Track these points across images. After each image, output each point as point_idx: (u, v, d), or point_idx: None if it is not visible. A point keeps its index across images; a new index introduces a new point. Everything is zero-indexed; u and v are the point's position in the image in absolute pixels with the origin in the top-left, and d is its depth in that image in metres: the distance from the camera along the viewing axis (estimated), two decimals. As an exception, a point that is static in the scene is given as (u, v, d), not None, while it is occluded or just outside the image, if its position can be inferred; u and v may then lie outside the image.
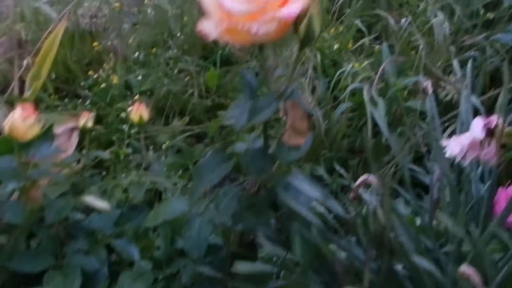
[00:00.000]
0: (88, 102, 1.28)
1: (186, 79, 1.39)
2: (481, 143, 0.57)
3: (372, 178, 0.55)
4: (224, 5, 0.36)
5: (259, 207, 0.55)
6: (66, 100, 1.32)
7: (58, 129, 0.92)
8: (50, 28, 1.17)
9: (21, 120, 0.55)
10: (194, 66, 1.38)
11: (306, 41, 0.40)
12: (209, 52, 1.51)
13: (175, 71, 1.39)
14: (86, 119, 0.87)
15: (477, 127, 0.57)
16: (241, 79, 0.46)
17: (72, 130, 0.96)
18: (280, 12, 0.36)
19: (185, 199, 0.59)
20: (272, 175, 0.52)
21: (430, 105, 0.71)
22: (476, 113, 0.87)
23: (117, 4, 1.25)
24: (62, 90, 1.31)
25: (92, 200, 0.67)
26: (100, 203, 0.66)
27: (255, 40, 0.38)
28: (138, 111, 0.82)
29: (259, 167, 0.51)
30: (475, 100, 0.91)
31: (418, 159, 1.04)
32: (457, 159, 0.58)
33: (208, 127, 1.34)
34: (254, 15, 0.37)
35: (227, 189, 0.57)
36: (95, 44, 1.23)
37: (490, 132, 0.58)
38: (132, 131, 1.25)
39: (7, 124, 0.56)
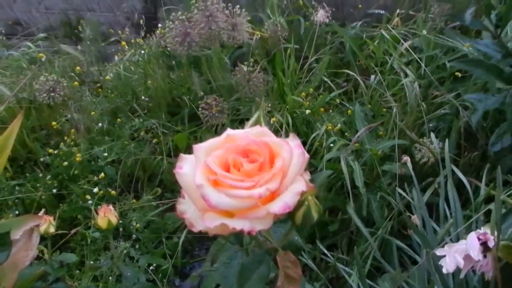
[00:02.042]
0: (48, 177, 1.20)
1: (154, 141, 1.33)
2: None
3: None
4: (209, 201, 0.32)
5: None
6: (25, 176, 1.23)
7: (16, 234, 0.84)
8: (3, 106, 1.09)
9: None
10: (161, 127, 1.32)
11: (303, 225, 0.35)
12: (176, 107, 1.45)
13: (142, 133, 1.32)
14: (48, 224, 0.80)
15: (473, 244, 0.55)
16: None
17: (31, 230, 0.87)
18: (274, 207, 0.32)
19: None
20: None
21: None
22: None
23: (76, 83, 1.18)
24: (20, 171, 1.22)
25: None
26: None
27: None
28: (106, 216, 0.75)
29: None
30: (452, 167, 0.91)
31: (402, 227, 1.03)
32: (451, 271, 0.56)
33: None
34: (245, 211, 0.32)
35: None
36: (54, 123, 1.15)
37: (486, 248, 0.56)
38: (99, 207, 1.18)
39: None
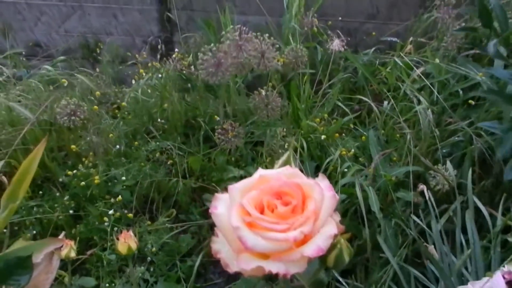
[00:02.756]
0: (66, 198, 1.22)
1: (169, 162, 1.35)
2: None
3: None
4: (246, 243, 0.33)
5: None
6: (42, 196, 1.25)
7: (37, 257, 0.85)
8: (25, 130, 1.12)
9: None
10: (176, 149, 1.34)
11: (335, 267, 0.37)
12: (190, 129, 1.48)
13: (157, 154, 1.34)
14: (69, 249, 0.81)
15: (499, 284, 0.56)
16: None
17: (52, 253, 0.89)
18: (308, 250, 0.33)
19: None
20: None
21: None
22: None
23: (96, 107, 1.21)
24: (37, 190, 1.24)
25: None
26: None
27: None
28: (126, 242, 0.77)
29: None
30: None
31: (416, 254, 1.03)
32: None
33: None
34: (279, 253, 0.34)
35: None
36: (73, 147, 1.17)
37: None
38: (115, 229, 1.20)
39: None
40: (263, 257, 0.34)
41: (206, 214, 1.32)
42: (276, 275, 0.33)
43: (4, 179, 0.88)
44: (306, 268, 0.34)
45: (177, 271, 1.16)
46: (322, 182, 0.38)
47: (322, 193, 0.36)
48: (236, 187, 0.38)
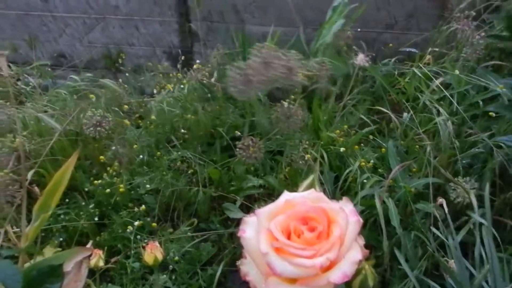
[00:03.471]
0: (91, 206, 1.26)
1: (190, 171, 1.38)
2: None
3: None
4: (274, 269, 0.35)
5: None
6: (67, 204, 1.30)
7: (68, 266, 0.89)
8: (53, 140, 1.16)
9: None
10: (197, 159, 1.37)
11: (359, 292, 0.38)
12: (210, 138, 1.51)
13: (178, 163, 1.37)
14: (98, 258, 0.85)
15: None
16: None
17: (81, 262, 0.92)
18: (334, 277, 0.35)
19: None
20: None
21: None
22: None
23: (127, 122, 1.25)
24: (63, 197, 1.29)
25: None
26: None
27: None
28: (153, 253, 0.79)
29: None
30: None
31: (436, 267, 1.03)
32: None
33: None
34: (306, 279, 0.35)
35: None
36: (101, 158, 1.22)
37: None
38: (138, 237, 1.23)
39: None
40: (290, 281, 0.36)
41: (226, 223, 1.34)
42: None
43: (37, 189, 0.92)
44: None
45: (198, 279, 1.18)
46: (347, 206, 0.40)
47: (347, 218, 0.38)
48: (263, 212, 0.40)
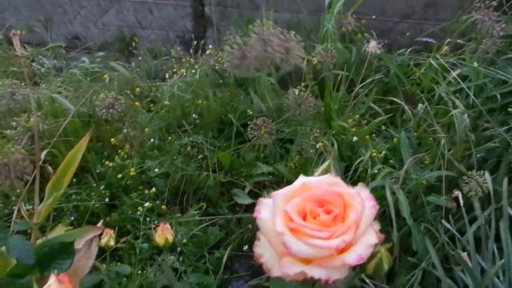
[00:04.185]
0: (102, 187, 1.27)
1: (200, 157, 1.38)
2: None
3: None
4: (290, 248, 0.35)
5: None
6: (79, 184, 1.31)
7: (78, 244, 0.90)
8: (67, 120, 1.17)
9: (58, 296, 0.53)
10: (208, 144, 1.37)
11: (374, 275, 0.38)
12: (221, 124, 1.51)
13: (188, 148, 1.38)
14: (109, 237, 0.86)
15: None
16: None
17: (91, 240, 0.94)
18: (350, 258, 0.35)
19: None
20: None
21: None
22: None
23: (137, 104, 1.25)
24: (76, 178, 1.30)
25: None
26: None
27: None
28: (164, 234, 0.80)
29: None
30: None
31: (445, 260, 1.03)
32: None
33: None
34: (321, 259, 0.35)
35: None
36: (112, 140, 1.22)
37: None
38: (147, 219, 1.24)
39: (42, 300, 0.53)
40: (305, 262, 0.36)
41: (234, 209, 1.35)
42: (319, 281, 0.35)
43: (50, 168, 0.93)
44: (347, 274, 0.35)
45: (205, 262, 1.19)
46: (363, 192, 0.39)
47: (363, 203, 0.38)
48: (279, 194, 0.40)
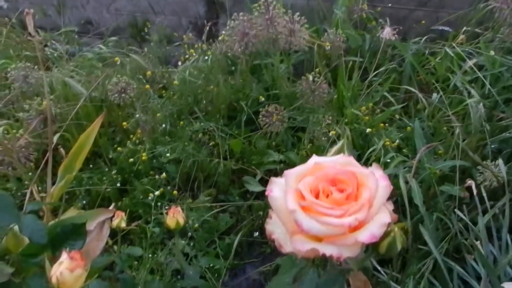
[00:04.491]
0: (114, 172, 1.28)
1: (211, 143, 1.38)
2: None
3: None
4: (301, 226, 0.35)
5: None
6: (90, 169, 1.32)
7: (90, 225, 0.91)
8: (79, 104, 1.17)
9: (69, 272, 0.53)
10: (219, 131, 1.37)
11: (386, 254, 0.38)
12: (233, 111, 1.50)
13: (199, 135, 1.38)
14: (120, 219, 0.86)
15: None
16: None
17: (103, 222, 0.94)
18: (362, 236, 0.34)
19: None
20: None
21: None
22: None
23: (147, 86, 1.25)
24: (86, 163, 1.31)
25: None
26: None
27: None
28: (175, 217, 0.80)
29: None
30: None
31: (457, 249, 1.02)
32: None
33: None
34: (333, 237, 0.35)
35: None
36: (124, 124, 1.23)
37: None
38: (158, 204, 1.25)
39: (53, 275, 0.54)
40: (316, 239, 0.36)
41: (244, 196, 1.35)
42: (331, 258, 0.35)
43: (62, 151, 0.94)
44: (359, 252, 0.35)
45: (215, 247, 1.20)
46: (377, 171, 0.39)
47: (376, 182, 0.37)
48: (291, 173, 0.40)
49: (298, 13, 1.13)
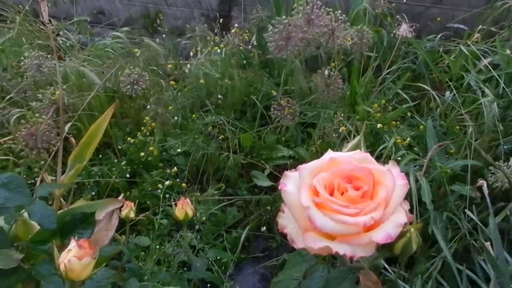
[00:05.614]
0: (123, 163, 1.29)
1: (221, 137, 1.38)
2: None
3: None
4: (315, 223, 0.34)
5: None
6: (100, 160, 1.33)
7: (99, 215, 0.91)
8: (92, 94, 1.18)
9: (78, 260, 0.53)
10: (229, 125, 1.37)
11: (401, 255, 0.37)
12: (243, 105, 1.50)
13: (209, 128, 1.38)
14: (129, 210, 0.87)
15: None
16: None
17: (112, 212, 0.95)
18: (378, 236, 0.34)
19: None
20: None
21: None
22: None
23: (162, 81, 1.25)
24: (98, 153, 1.31)
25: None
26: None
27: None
28: (184, 208, 0.80)
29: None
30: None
31: (466, 250, 1.01)
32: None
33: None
34: (347, 236, 0.34)
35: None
36: (146, 118, 1.23)
37: None
38: (167, 196, 1.25)
39: (61, 262, 0.54)
40: (329, 237, 0.35)
41: (253, 190, 1.35)
42: (344, 257, 0.34)
43: (73, 140, 0.94)
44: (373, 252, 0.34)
45: (222, 241, 1.20)
46: (394, 169, 0.38)
47: (393, 180, 0.37)
48: (306, 168, 0.39)
49: (339, 12, 1.09)
